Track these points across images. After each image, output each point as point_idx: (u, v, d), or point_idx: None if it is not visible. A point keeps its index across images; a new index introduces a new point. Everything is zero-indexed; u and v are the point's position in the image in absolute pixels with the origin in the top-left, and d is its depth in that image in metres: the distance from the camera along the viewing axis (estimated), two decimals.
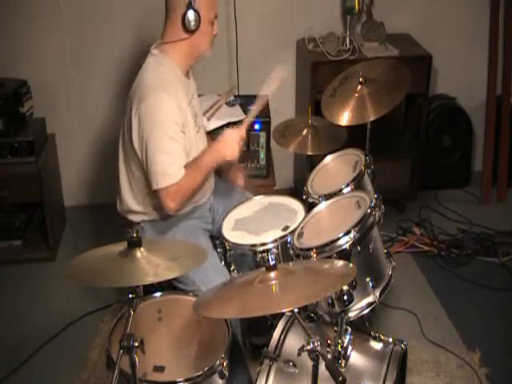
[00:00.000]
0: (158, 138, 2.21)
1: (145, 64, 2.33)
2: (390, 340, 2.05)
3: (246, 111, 3.14)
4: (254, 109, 2.43)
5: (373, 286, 2.08)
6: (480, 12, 3.74)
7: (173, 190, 2.22)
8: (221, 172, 2.65)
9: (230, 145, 2.32)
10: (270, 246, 2.24)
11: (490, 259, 3.30)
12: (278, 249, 2.25)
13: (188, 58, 2.33)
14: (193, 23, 2.23)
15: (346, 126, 2.55)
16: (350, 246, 2.01)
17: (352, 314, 2.06)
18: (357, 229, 2.03)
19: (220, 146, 2.33)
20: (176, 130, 2.23)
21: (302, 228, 2.24)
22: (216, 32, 2.34)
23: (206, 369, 1.84)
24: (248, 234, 2.33)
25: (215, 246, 2.45)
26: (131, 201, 2.41)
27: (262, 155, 3.11)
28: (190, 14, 2.22)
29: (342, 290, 1.92)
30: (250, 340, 2.55)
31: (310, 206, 2.40)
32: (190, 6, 2.21)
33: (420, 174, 3.71)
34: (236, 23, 3.47)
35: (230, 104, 3.22)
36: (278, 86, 2.38)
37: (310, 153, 2.65)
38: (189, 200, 2.32)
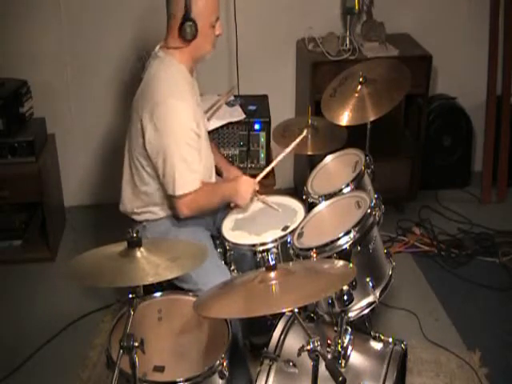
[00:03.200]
0: (176, 145, 2.24)
1: (152, 67, 2.33)
2: (390, 340, 2.06)
3: (246, 111, 3.14)
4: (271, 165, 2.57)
5: (373, 286, 2.08)
6: (480, 12, 3.74)
7: (190, 198, 2.28)
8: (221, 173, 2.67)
9: (244, 194, 2.40)
10: (269, 245, 2.24)
11: (489, 259, 3.30)
12: (277, 249, 2.25)
13: (191, 59, 2.36)
14: (189, 34, 2.25)
15: (345, 126, 2.55)
16: (350, 245, 2.01)
17: (352, 314, 2.07)
18: (357, 229, 2.03)
19: (235, 190, 2.40)
20: (192, 136, 2.28)
21: (302, 228, 2.24)
22: (219, 32, 2.34)
23: (205, 369, 1.84)
24: (248, 234, 2.33)
25: (215, 246, 2.46)
26: (134, 203, 2.42)
27: (262, 155, 3.11)
28: (187, 25, 2.23)
29: (342, 290, 1.92)
30: (250, 340, 2.55)
31: (310, 206, 2.40)
32: (185, 17, 2.23)
33: (420, 174, 3.71)
34: (236, 23, 3.47)
35: (230, 104, 3.22)
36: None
37: (310, 153, 2.65)
38: (201, 212, 2.38)
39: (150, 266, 1.68)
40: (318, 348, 1.62)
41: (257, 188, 2.45)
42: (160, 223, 2.42)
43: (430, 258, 3.34)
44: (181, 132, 2.25)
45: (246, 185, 2.41)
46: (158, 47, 2.36)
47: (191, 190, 2.27)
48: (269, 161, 3.18)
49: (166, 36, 2.33)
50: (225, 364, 1.87)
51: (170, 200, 2.35)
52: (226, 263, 2.38)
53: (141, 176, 2.38)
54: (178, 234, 2.40)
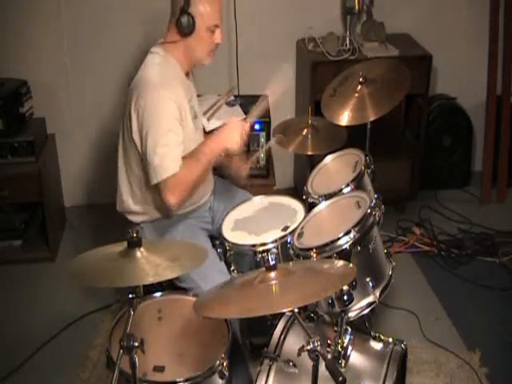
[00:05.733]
0: (157, 133, 2.21)
1: (144, 62, 2.34)
2: (390, 340, 2.05)
3: (246, 111, 3.14)
4: (258, 108, 2.41)
5: (373, 286, 2.08)
6: (480, 12, 3.74)
7: (171, 182, 2.20)
8: (222, 167, 2.63)
9: (232, 133, 2.29)
10: (269, 246, 2.24)
11: (490, 259, 3.30)
12: (277, 249, 2.25)
13: (185, 59, 2.35)
14: (185, 27, 2.26)
15: (345, 126, 2.55)
16: (350, 245, 2.01)
17: (352, 314, 2.06)
18: (357, 229, 2.03)
19: (220, 135, 2.30)
20: (176, 124, 2.24)
21: (302, 228, 2.24)
22: (219, 41, 2.33)
23: (205, 369, 1.84)
24: (248, 234, 2.33)
25: (215, 246, 2.45)
26: (130, 200, 2.42)
27: (262, 155, 3.11)
28: (183, 18, 2.25)
29: (342, 290, 1.92)
30: (250, 340, 2.55)
31: (310, 206, 2.40)
32: (183, 10, 2.25)
33: (420, 174, 3.71)
34: (236, 23, 3.48)
35: (230, 104, 3.22)
36: (280, 90, 2.36)
37: (310, 153, 2.65)
38: (190, 194, 2.28)
39: (149, 266, 1.67)
40: (318, 348, 1.62)
41: (246, 128, 2.32)
42: (156, 224, 2.42)
43: (430, 258, 3.34)
44: (163, 120, 2.22)
45: (230, 125, 2.30)
46: (155, 45, 2.36)
47: (169, 175, 2.19)
48: (269, 161, 3.20)
49: (165, 34, 2.34)
50: (225, 364, 1.87)
51: (155, 195, 2.31)
52: (226, 263, 2.38)
53: (134, 174, 2.37)
54: (175, 233, 2.41)
